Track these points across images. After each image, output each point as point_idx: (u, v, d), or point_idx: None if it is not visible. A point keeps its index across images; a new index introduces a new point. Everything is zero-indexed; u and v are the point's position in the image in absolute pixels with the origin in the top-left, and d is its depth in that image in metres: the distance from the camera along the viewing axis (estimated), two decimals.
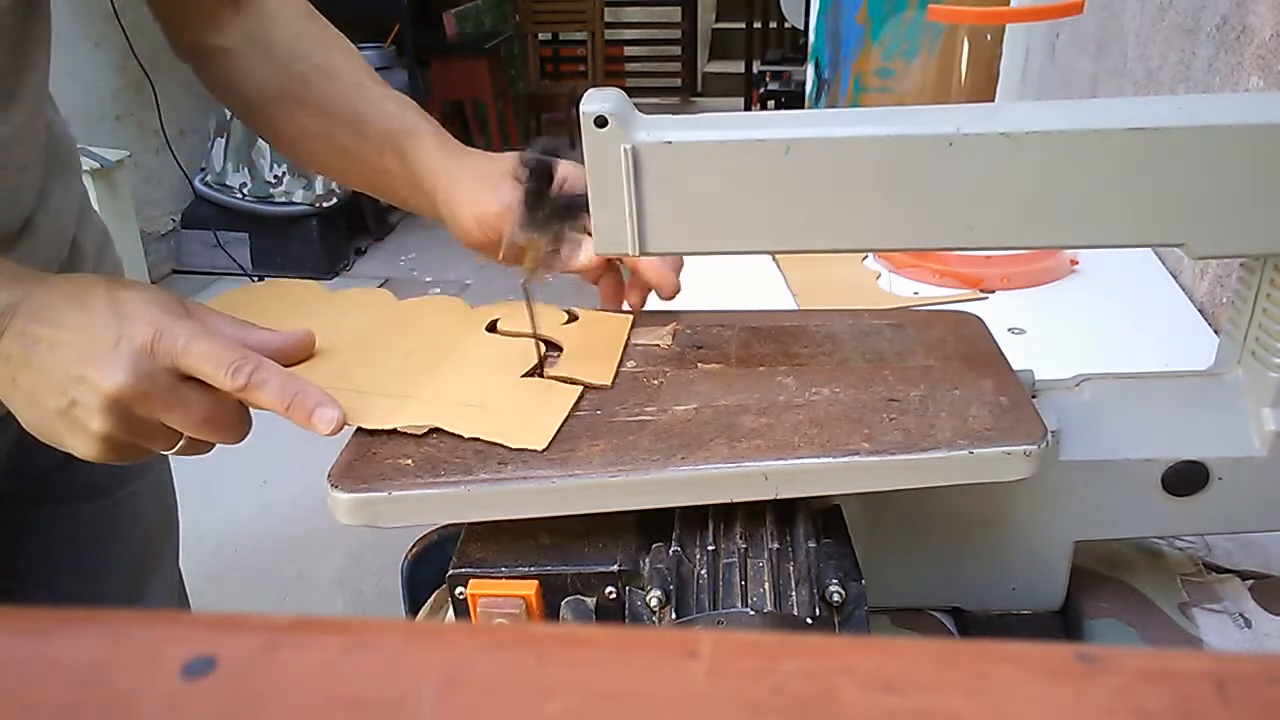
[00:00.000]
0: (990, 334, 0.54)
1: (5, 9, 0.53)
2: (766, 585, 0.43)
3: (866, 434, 0.44)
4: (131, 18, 2.91)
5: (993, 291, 0.97)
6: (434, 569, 0.60)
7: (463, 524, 0.47)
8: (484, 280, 3.11)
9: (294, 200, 3.21)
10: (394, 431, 0.46)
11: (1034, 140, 0.41)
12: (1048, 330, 0.89)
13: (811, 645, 0.17)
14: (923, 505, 0.51)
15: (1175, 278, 1.01)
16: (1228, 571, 0.56)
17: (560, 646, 0.17)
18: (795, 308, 0.93)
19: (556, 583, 0.44)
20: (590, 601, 0.44)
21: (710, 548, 0.45)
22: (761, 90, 3.31)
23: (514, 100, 4.64)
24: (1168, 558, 0.58)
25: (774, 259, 1.04)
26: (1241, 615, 0.53)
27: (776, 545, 0.45)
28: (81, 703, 0.16)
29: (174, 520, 0.83)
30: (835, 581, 0.42)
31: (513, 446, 0.45)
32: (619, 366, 0.52)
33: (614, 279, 0.60)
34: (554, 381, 0.50)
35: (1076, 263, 1.01)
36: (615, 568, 0.44)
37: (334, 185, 3.18)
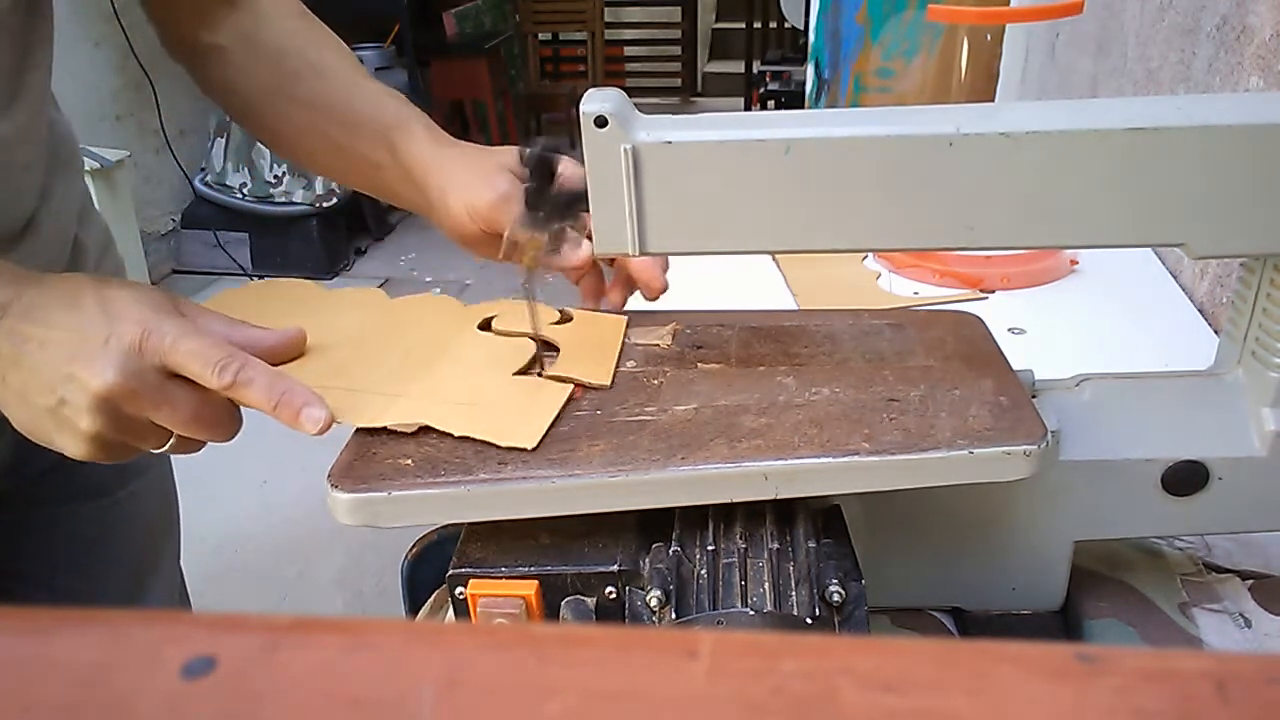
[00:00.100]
0: (990, 334, 0.54)
1: (7, 9, 0.53)
2: (766, 585, 0.43)
3: (866, 434, 0.44)
4: (131, 18, 2.91)
5: (993, 291, 0.97)
6: (434, 569, 0.60)
7: (463, 524, 0.47)
8: (484, 280, 3.11)
9: (294, 200, 3.21)
10: (393, 431, 0.47)
11: (1034, 140, 0.41)
12: (1048, 330, 0.89)
13: (811, 645, 0.17)
14: (923, 505, 0.51)
15: (1175, 278, 1.01)
16: (1228, 571, 0.56)
17: (560, 646, 0.17)
18: (795, 308, 0.93)
19: (556, 583, 0.44)
20: (590, 601, 0.44)
21: (710, 548, 0.45)
22: (761, 90, 3.31)
23: (514, 100, 4.64)
24: (1168, 558, 0.58)
25: (774, 259, 1.04)
26: (1241, 615, 0.53)
27: (776, 545, 0.45)
28: (81, 703, 0.16)
29: (175, 519, 0.83)
30: (835, 581, 0.42)
31: (503, 445, 0.45)
32: (617, 367, 0.52)
33: (596, 277, 0.60)
34: (545, 380, 0.50)
35: (1076, 263, 1.01)
36: (615, 568, 0.44)
37: (334, 185, 3.18)
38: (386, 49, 3.52)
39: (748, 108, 4.38)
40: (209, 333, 0.46)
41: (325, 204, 3.22)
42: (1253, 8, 0.88)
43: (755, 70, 4.16)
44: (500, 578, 0.44)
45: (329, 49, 0.66)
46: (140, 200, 2.96)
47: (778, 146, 0.43)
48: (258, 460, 2.12)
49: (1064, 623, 0.54)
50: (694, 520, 0.47)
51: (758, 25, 4.75)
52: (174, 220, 3.30)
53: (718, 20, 5.81)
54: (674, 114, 0.45)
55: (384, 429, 0.47)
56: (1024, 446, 0.43)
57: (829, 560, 0.44)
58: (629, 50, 5.62)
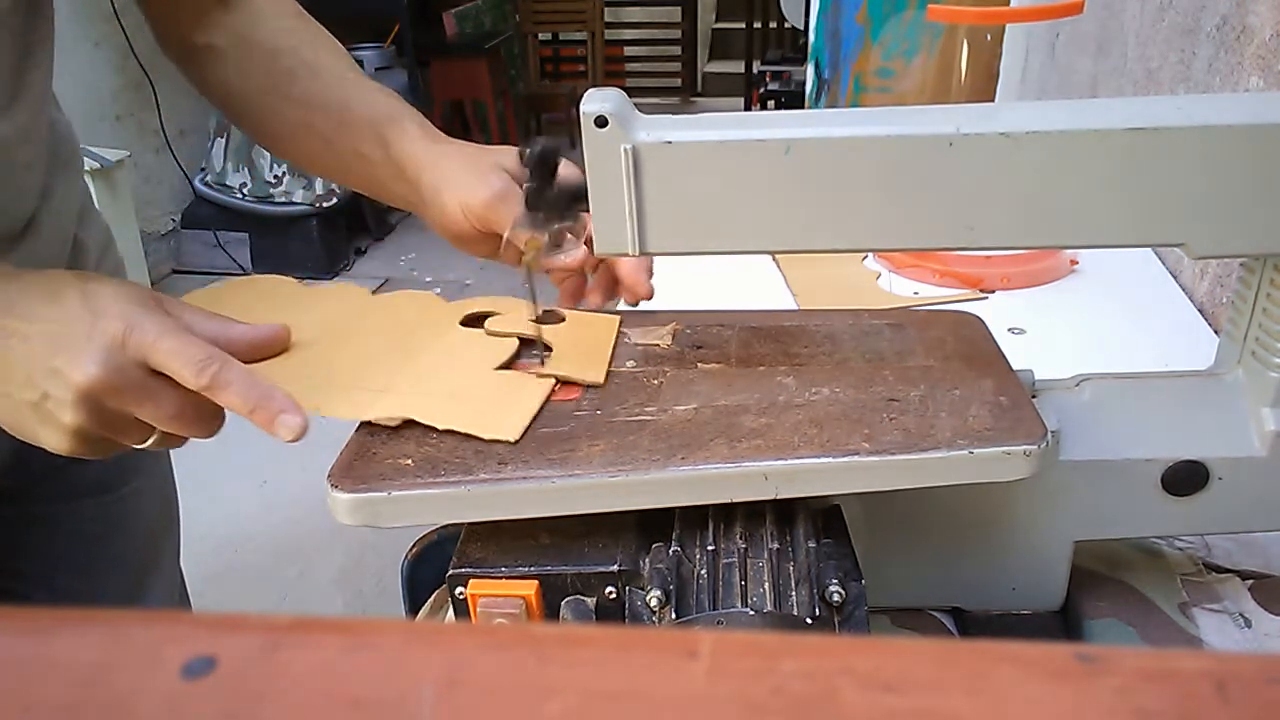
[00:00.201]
0: (990, 334, 0.54)
1: (7, 9, 0.53)
2: (766, 585, 0.43)
3: (866, 434, 0.44)
4: (131, 18, 2.91)
5: (993, 291, 0.97)
6: (434, 569, 0.60)
7: (463, 524, 0.47)
8: (484, 280, 3.11)
9: (294, 200, 3.21)
10: (394, 431, 0.47)
11: (1034, 140, 0.41)
12: (1048, 330, 0.89)
13: (811, 645, 0.17)
14: (923, 505, 0.51)
15: (1175, 278, 1.01)
16: (1228, 571, 0.56)
17: (560, 646, 0.17)
18: (795, 308, 0.93)
19: (556, 583, 0.44)
20: (590, 601, 0.44)
21: (710, 548, 0.45)
22: (761, 90, 3.31)
23: (514, 100, 4.64)
24: (1168, 558, 0.58)
25: (774, 259, 1.04)
26: (1241, 615, 0.53)
27: (776, 545, 0.45)
28: (81, 703, 0.16)
29: (175, 518, 0.83)
30: (835, 581, 0.42)
31: (485, 438, 0.45)
32: (612, 366, 0.52)
33: (579, 279, 0.60)
34: (527, 375, 0.51)
35: (1076, 263, 1.01)
36: (615, 568, 0.44)
37: (334, 185, 3.18)
38: (386, 49, 3.52)
39: (748, 108, 4.38)
40: (192, 331, 0.47)
41: (325, 204, 3.22)
42: (1253, 8, 0.88)
43: (755, 70, 4.16)
44: (500, 578, 0.44)
45: (323, 48, 0.66)
46: (140, 200, 2.96)
47: (778, 146, 0.43)
48: (258, 460, 2.12)
49: (1064, 623, 0.54)
50: (694, 520, 0.47)
51: (758, 25, 4.75)
52: (174, 220, 3.30)
53: (718, 20, 5.81)
54: (674, 114, 0.45)
55: (383, 428, 0.47)
56: (1024, 446, 0.43)
57: (829, 560, 0.44)
58: (629, 50, 5.62)
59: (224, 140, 3.25)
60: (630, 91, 0.46)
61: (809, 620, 0.41)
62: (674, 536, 0.45)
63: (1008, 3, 0.96)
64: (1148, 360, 0.82)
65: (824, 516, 0.48)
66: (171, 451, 0.81)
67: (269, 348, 0.50)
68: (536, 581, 0.44)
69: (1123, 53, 1.28)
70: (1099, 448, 0.49)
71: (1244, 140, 0.41)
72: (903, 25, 1.28)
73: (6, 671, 0.16)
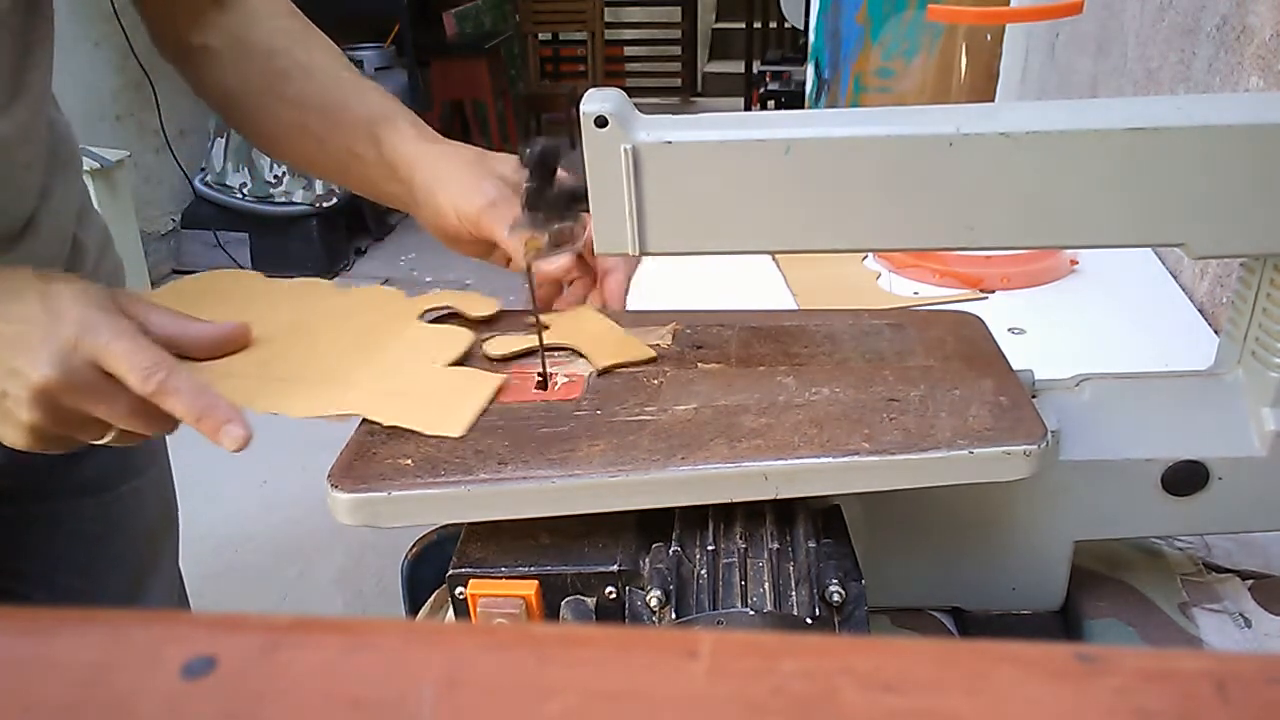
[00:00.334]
0: (990, 334, 0.54)
1: (7, 9, 0.53)
2: (766, 585, 0.43)
3: (866, 434, 0.44)
4: (131, 18, 2.90)
5: (993, 291, 0.97)
6: (434, 569, 0.60)
7: (463, 524, 0.47)
8: (484, 280, 3.10)
9: (294, 200, 3.21)
10: (394, 431, 0.47)
11: (1034, 140, 0.41)
12: (1048, 330, 0.89)
13: (811, 645, 0.17)
14: (923, 505, 0.51)
15: (1175, 278, 1.01)
16: (1228, 571, 0.56)
17: (560, 646, 0.17)
18: (795, 308, 0.93)
19: (556, 583, 0.44)
20: (590, 601, 0.44)
21: (710, 548, 0.45)
22: (761, 90, 3.31)
23: (514, 100, 4.64)
24: (1168, 558, 0.58)
25: (774, 259, 1.04)
26: (1241, 615, 0.53)
27: (776, 545, 0.45)
28: (81, 703, 0.16)
29: (174, 517, 0.83)
30: (835, 581, 0.42)
31: (429, 434, 0.46)
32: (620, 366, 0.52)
33: (554, 289, 0.61)
34: (476, 370, 0.51)
35: (1076, 263, 1.01)
36: (615, 568, 0.44)
37: (334, 185, 3.18)
38: (386, 49, 3.52)
39: (748, 108, 4.38)
40: (150, 331, 0.47)
41: (325, 204, 3.22)
42: (1253, 8, 0.88)
43: (755, 70, 4.16)
44: (500, 578, 0.44)
45: (317, 48, 0.66)
46: (140, 200, 2.96)
47: (778, 146, 0.43)
48: (258, 460, 2.12)
49: (1064, 623, 0.54)
50: (694, 520, 0.47)
51: (758, 25, 4.75)
52: (174, 220, 3.30)
53: (718, 20, 5.81)
54: (674, 114, 0.45)
55: (384, 428, 0.47)
56: (1024, 446, 0.43)
57: (829, 560, 0.44)
58: (629, 50, 5.62)
59: (224, 140, 3.25)
60: (630, 91, 0.46)
61: (809, 620, 0.41)
62: (674, 536, 0.45)
63: (1008, 3, 0.96)
64: (1148, 360, 0.82)
65: (824, 516, 0.48)
66: (171, 451, 0.81)
67: (227, 345, 0.51)
68: (536, 581, 0.44)
69: (1123, 53, 1.28)
70: (1099, 448, 0.49)
71: (1244, 140, 0.41)
72: (903, 25, 1.28)
73: (6, 671, 0.16)
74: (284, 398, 0.48)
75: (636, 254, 0.46)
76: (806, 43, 1.73)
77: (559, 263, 0.56)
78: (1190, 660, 0.16)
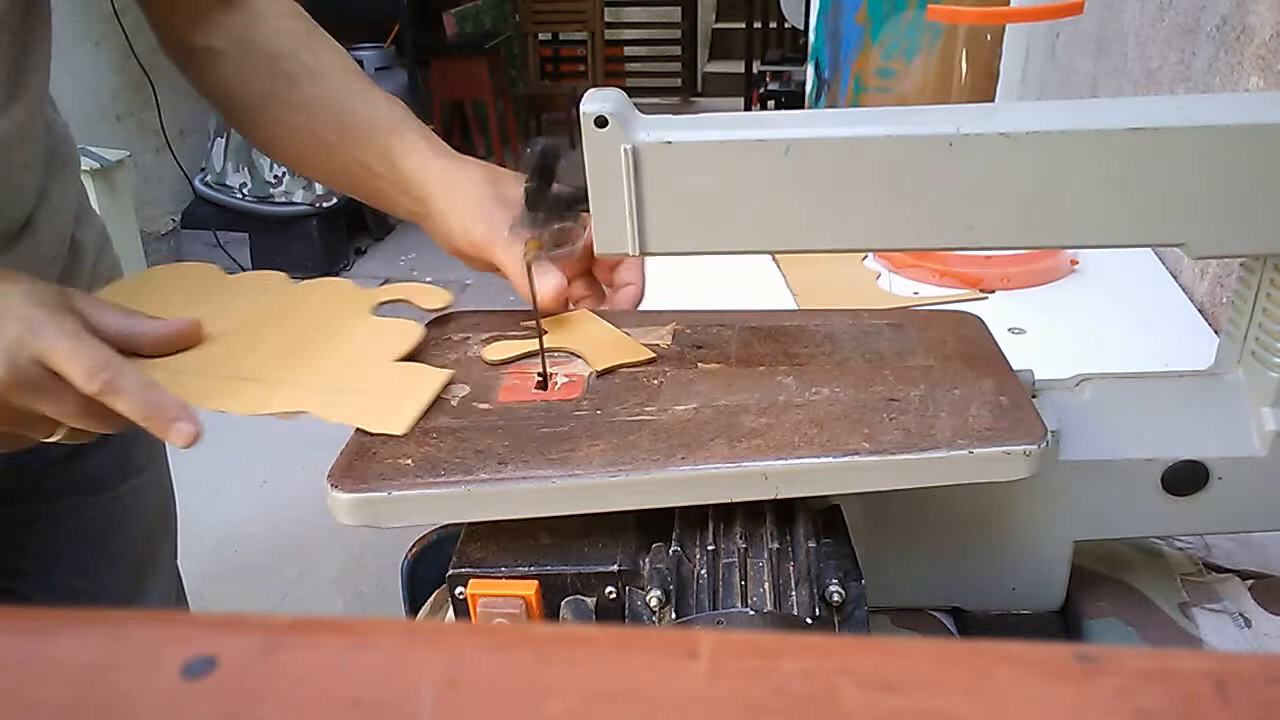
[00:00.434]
0: (990, 334, 0.54)
1: (5, 9, 0.53)
2: (766, 585, 0.43)
3: (866, 434, 0.44)
4: (132, 18, 2.91)
5: (993, 291, 0.97)
6: (434, 569, 0.60)
7: (463, 524, 0.47)
8: (484, 280, 3.09)
9: (294, 200, 3.21)
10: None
11: (1034, 140, 0.41)
12: (1048, 330, 0.89)
13: (811, 645, 0.17)
14: (923, 505, 0.51)
15: (1175, 278, 1.01)
16: (1228, 571, 0.56)
17: (560, 646, 0.17)
18: (795, 308, 0.93)
19: (556, 583, 0.44)
20: (590, 601, 0.44)
21: (710, 548, 0.45)
22: (761, 90, 3.31)
23: (514, 100, 4.64)
24: (1168, 558, 0.58)
25: (774, 259, 1.04)
26: (1241, 615, 0.53)
27: (776, 545, 0.45)
28: (81, 703, 0.16)
29: (173, 517, 0.83)
30: (835, 581, 0.42)
31: (373, 432, 0.46)
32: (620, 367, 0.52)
33: (561, 306, 0.60)
34: (424, 366, 0.51)
35: (1076, 263, 1.01)
36: (615, 568, 0.44)
37: None
38: (386, 49, 3.52)
39: (748, 108, 4.38)
40: (99, 330, 0.47)
41: (325, 204, 3.22)
42: (1253, 8, 0.88)
43: (755, 70, 4.16)
44: (500, 578, 0.44)
45: (324, 51, 0.65)
46: (140, 200, 2.96)
47: (778, 146, 0.43)
48: (258, 460, 2.12)
49: (1064, 623, 0.54)
50: (694, 520, 0.47)
51: (758, 25, 4.75)
52: (174, 220, 3.30)
53: (718, 20, 5.81)
54: (674, 114, 0.45)
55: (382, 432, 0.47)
56: (1024, 446, 0.43)
57: (829, 560, 0.44)
58: (629, 50, 5.62)
59: (224, 140, 3.25)
60: (630, 91, 0.45)
61: (809, 620, 0.41)
62: (674, 536, 0.45)
63: (1008, 3, 0.96)
64: (1148, 360, 0.82)
65: (824, 516, 0.48)
66: (170, 451, 0.81)
67: (178, 342, 0.51)
68: (536, 581, 0.44)
69: (1123, 53, 1.28)
70: (1099, 448, 0.49)
71: (1244, 140, 0.41)
72: (903, 25, 1.28)
73: (6, 671, 0.16)
74: (232, 396, 0.48)
75: (637, 254, 0.46)
76: (806, 43, 1.73)
77: (562, 286, 0.55)
78: (1190, 660, 0.16)
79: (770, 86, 3.29)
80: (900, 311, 0.58)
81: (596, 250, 0.47)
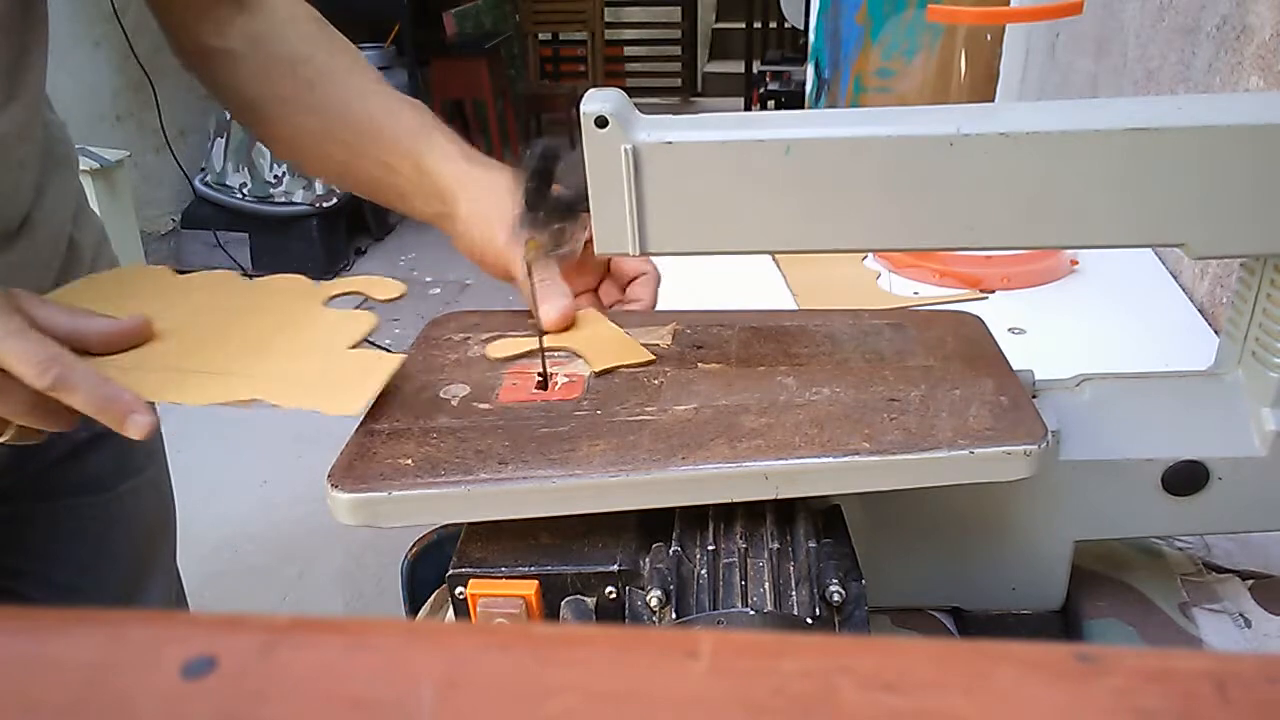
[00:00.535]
0: (990, 334, 0.54)
1: (4, 11, 0.53)
2: (766, 585, 0.43)
3: (867, 434, 0.44)
4: (131, 18, 2.91)
5: (993, 291, 0.97)
6: (434, 569, 0.60)
7: (463, 524, 0.47)
8: (484, 280, 3.10)
9: (294, 200, 3.21)
10: (394, 431, 0.47)
11: (1034, 140, 0.41)
12: (1048, 330, 0.89)
13: (811, 645, 0.17)
14: (923, 505, 0.51)
15: (1175, 278, 1.01)
16: (1228, 571, 0.56)
17: (560, 646, 0.17)
18: (795, 308, 0.93)
19: (556, 583, 0.44)
20: (590, 601, 0.44)
21: (710, 548, 0.45)
22: (761, 90, 3.31)
23: (514, 100, 4.64)
24: (1168, 558, 0.58)
25: (774, 259, 1.04)
26: (1241, 615, 0.53)
27: (776, 545, 0.45)
28: (81, 703, 0.16)
29: (172, 517, 0.83)
30: (835, 581, 0.42)
31: (328, 414, 0.46)
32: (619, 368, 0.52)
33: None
34: (378, 352, 0.51)
35: (1076, 263, 1.01)
36: (615, 568, 0.44)
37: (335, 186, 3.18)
38: (386, 49, 3.52)
39: (748, 108, 4.38)
40: (46, 329, 0.47)
41: (325, 204, 3.22)
42: (1253, 8, 0.88)
43: (755, 70, 4.16)
44: (500, 578, 0.44)
45: (341, 53, 0.65)
46: (140, 200, 2.96)
47: (778, 146, 0.43)
48: (258, 460, 2.12)
49: (1064, 623, 0.54)
50: (694, 520, 0.47)
51: (758, 25, 4.75)
52: (174, 220, 3.30)
53: (718, 20, 5.81)
54: (674, 114, 0.45)
55: (383, 429, 0.47)
56: (1024, 446, 0.43)
57: (829, 560, 0.44)
58: (629, 50, 5.62)
59: (224, 140, 3.25)
60: (630, 91, 0.45)
61: (809, 620, 0.41)
62: (674, 536, 0.45)
63: (1008, 3, 0.96)
64: (1148, 360, 0.82)
65: (824, 516, 0.48)
66: (169, 451, 0.81)
67: (128, 339, 0.51)
68: (536, 581, 0.44)
69: (1123, 53, 1.28)
70: (1099, 448, 0.49)
71: (1244, 140, 0.41)
72: (903, 25, 1.28)
73: (6, 671, 0.16)
74: (185, 388, 0.48)
75: (637, 254, 0.46)
76: (806, 43, 1.73)
77: (568, 312, 0.55)
78: (1190, 660, 0.16)
79: (770, 86, 3.29)
80: (900, 311, 0.58)
81: (597, 250, 0.47)
